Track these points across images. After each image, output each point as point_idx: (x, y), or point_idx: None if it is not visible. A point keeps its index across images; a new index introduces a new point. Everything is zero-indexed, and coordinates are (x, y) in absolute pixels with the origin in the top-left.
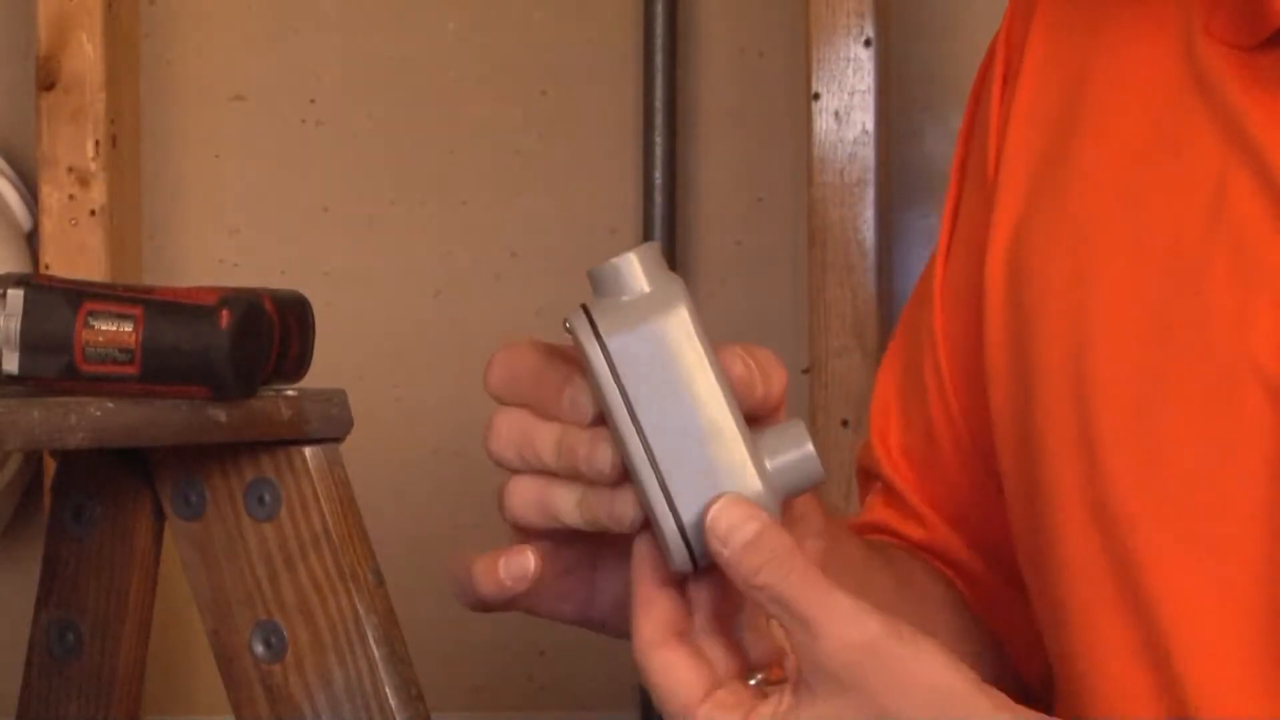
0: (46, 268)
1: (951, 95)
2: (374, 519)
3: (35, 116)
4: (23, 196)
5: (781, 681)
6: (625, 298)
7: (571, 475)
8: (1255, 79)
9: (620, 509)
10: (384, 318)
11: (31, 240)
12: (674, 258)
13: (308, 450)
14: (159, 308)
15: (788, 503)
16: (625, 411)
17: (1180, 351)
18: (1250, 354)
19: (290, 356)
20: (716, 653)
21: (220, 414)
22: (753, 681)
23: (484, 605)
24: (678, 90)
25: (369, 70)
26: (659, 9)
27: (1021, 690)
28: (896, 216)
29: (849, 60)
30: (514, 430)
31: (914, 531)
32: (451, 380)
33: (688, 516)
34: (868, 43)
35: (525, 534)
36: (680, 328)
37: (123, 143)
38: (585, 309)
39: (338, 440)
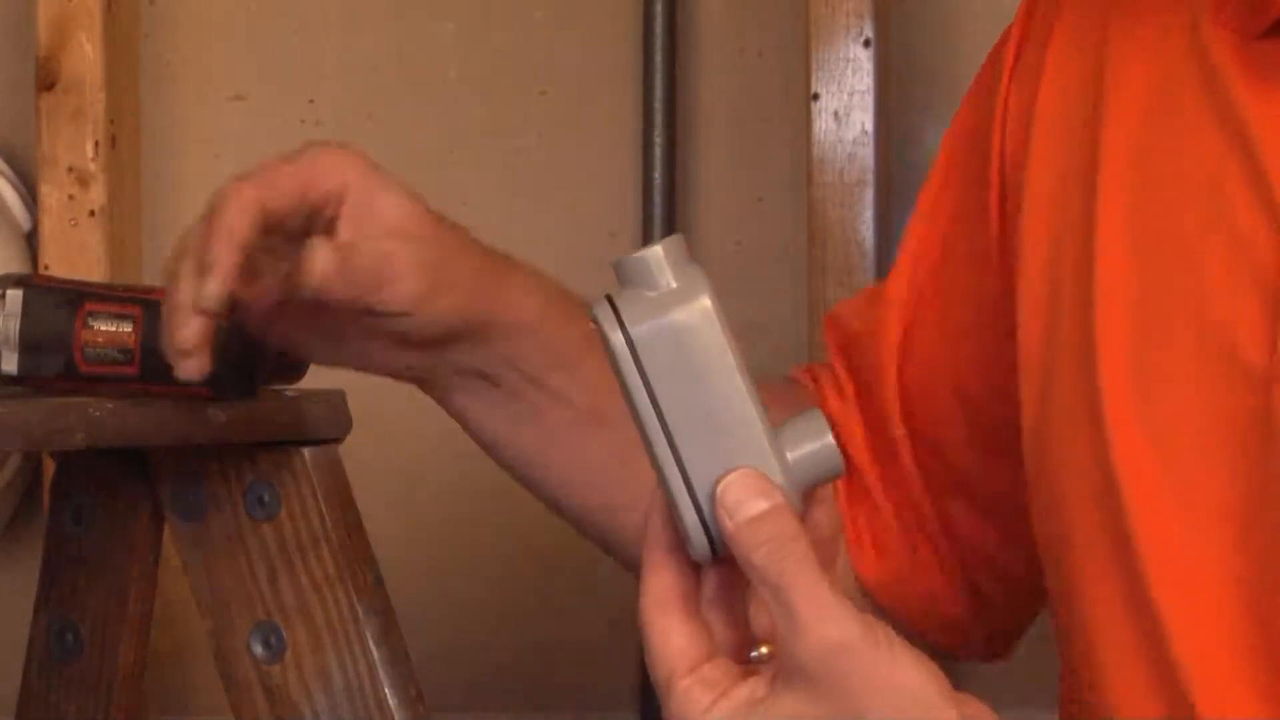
0: (46, 268)
1: (951, 95)
2: (373, 519)
3: (35, 117)
4: (22, 197)
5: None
6: (650, 289)
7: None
8: (1255, 68)
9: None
10: None
11: (31, 240)
12: None
13: (307, 451)
14: (158, 308)
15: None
16: (649, 401)
17: (1177, 341)
18: (1237, 346)
19: (289, 357)
20: (719, 623)
21: (219, 415)
22: (754, 654)
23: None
24: (677, 90)
25: (369, 70)
26: (658, 9)
27: None
28: (896, 217)
29: (848, 60)
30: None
31: (832, 398)
32: None
33: (707, 506)
34: (867, 43)
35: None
36: (704, 319)
37: (122, 143)
38: (610, 299)
39: (337, 441)
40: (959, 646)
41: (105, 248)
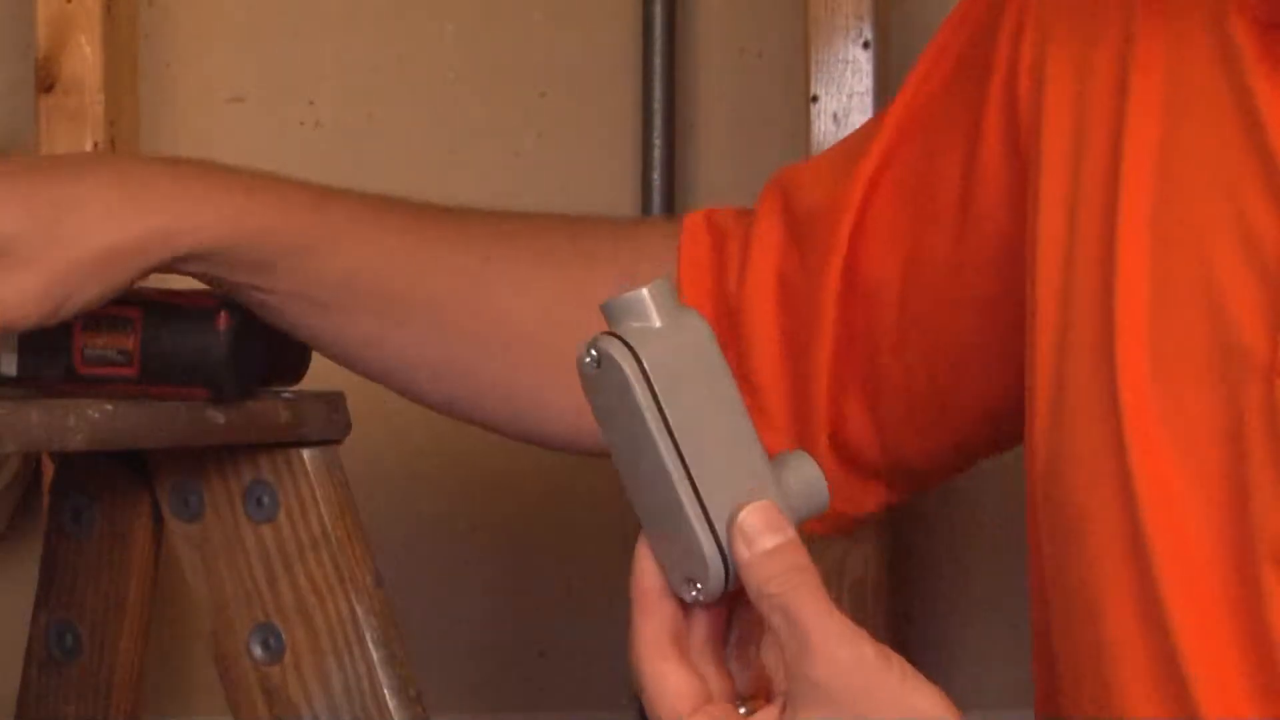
0: None
1: None
2: (372, 521)
3: (34, 118)
4: None
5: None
6: (646, 324)
7: None
8: (1272, 57)
9: None
10: None
11: None
12: None
13: (306, 452)
14: (158, 310)
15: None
16: (665, 432)
17: (1193, 335)
18: (1243, 338)
19: (289, 358)
20: (709, 674)
21: (219, 416)
22: (742, 709)
23: None
24: (676, 92)
25: (368, 71)
26: (657, 10)
27: None
28: None
29: (848, 62)
30: None
31: (730, 276)
32: None
33: (723, 536)
34: (866, 45)
35: None
36: (709, 349)
37: (121, 144)
38: (613, 333)
39: (336, 442)
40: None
41: None
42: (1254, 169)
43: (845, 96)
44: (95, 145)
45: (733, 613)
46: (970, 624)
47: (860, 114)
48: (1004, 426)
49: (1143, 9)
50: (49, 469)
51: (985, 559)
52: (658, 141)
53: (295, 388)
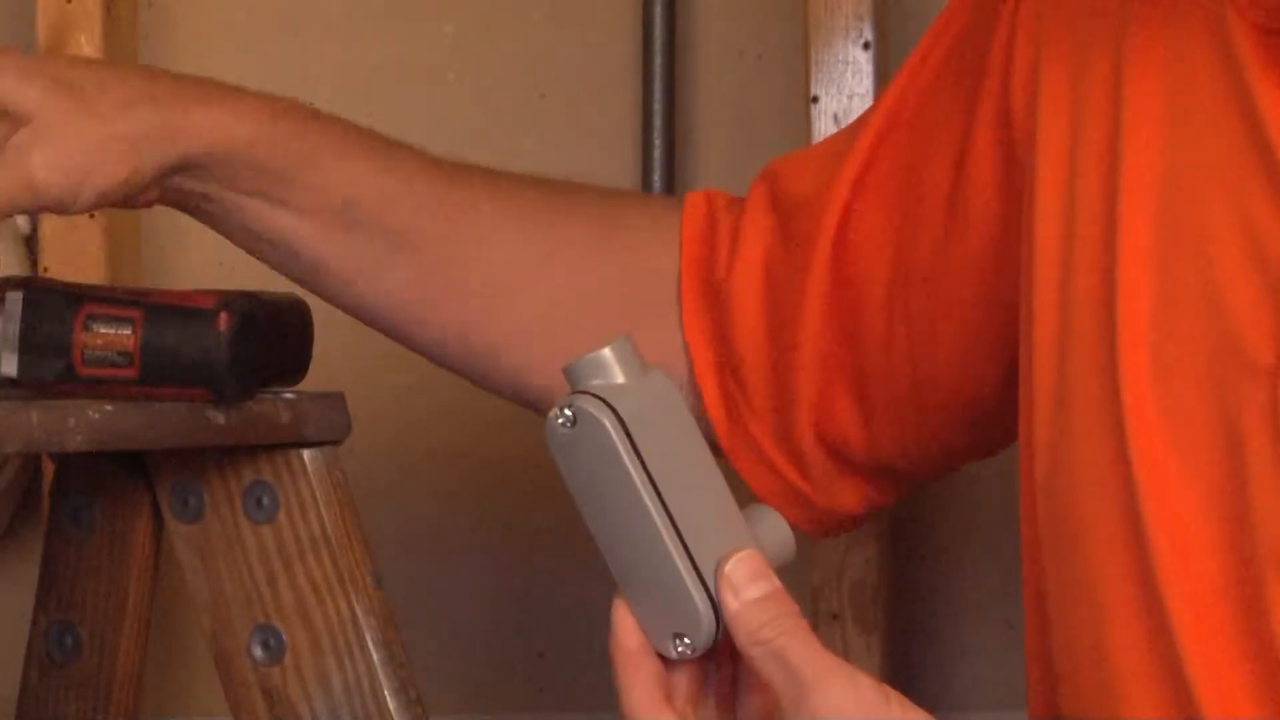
0: (45, 271)
1: None
2: (372, 521)
3: None
4: None
5: None
6: (610, 382)
7: None
8: (1274, 62)
9: None
10: None
11: (30, 243)
12: None
13: (306, 453)
14: (158, 310)
15: None
16: (649, 485)
17: (1195, 337)
18: (1245, 341)
19: (289, 359)
20: None
21: (219, 417)
22: None
23: None
24: (676, 93)
25: (367, 73)
26: (657, 11)
27: None
28: None
29: (848, 63)
30: None
31: (720, 262)
32: (451, 382)
33: (710, 588)
34: (866, 45)
35: None
36: (678, 403)
37: None
38: (586, 391)
39: (336, 443)
40: (797, 520)
41: (105, 250)
42: (1257, 173)
43: (845, 97)
44: None
45: (705, 670)
46: (970, 624)
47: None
48: (987, 429)
49: (1138, 16)
50: (49, 469)
51: (984, 560)
52: (658, 141)
53: (295, 388)
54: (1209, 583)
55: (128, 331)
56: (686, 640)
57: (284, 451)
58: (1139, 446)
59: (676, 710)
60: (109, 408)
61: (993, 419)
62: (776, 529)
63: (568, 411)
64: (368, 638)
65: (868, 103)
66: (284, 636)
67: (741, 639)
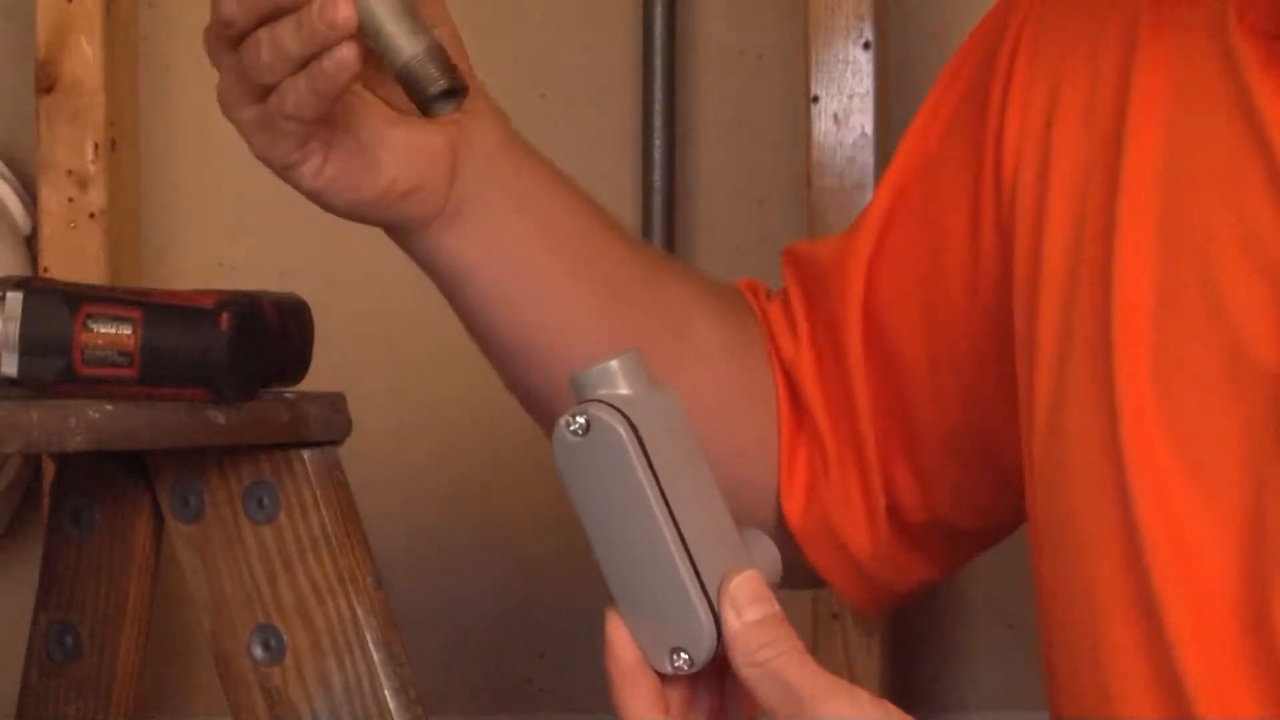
0: (45, 271)
1: None
2: (373, 522)
3: (34, 119)
4: (22, 199)
5: None
6: (622, 392)
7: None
8: (1276, 66)
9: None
10: (383, 320)
11: (30, 243)
12: None
13: (306, 453)
14: (158, 310)
15: None
16: (660, 495)
17: (1195, 339)
18: (1246, 344)
19: (289, 359)
20: None
21: (219, 417)
22: None
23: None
24: (676, 93)
25: None
26: (658, 12)
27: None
28: None
29: (848, 63)
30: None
31: (785, 342)
32: (451, 383)
33: (714, 604)
34: (867, 45)
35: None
36: (681, 421)
37: (122, 145)
38: (600, 399)
39: (337, 443)
40: (857, 599)
41: (105, 250)
42: (1259, 176)
43: (845, 97)
44: (95, 146)
45: (695, 689)
46: (970, 624)
47: (860, 114)
48: None
49: (1146, 24)
50: (49, 469)
51: (985, 560)
52: (658, 141)
53: (295, 388)
54: (1210, 585)
55: (128, 331)
56: (685, 655)
57: (284, 451)
58: (1135, 447)
59: (668, 710)
60: (109, 407)
61: None
62: (769, 552)
63: (580, 420)
64: (368, 638)
65: (868, 102)
66: (284, 636)
67: (739, 659)
